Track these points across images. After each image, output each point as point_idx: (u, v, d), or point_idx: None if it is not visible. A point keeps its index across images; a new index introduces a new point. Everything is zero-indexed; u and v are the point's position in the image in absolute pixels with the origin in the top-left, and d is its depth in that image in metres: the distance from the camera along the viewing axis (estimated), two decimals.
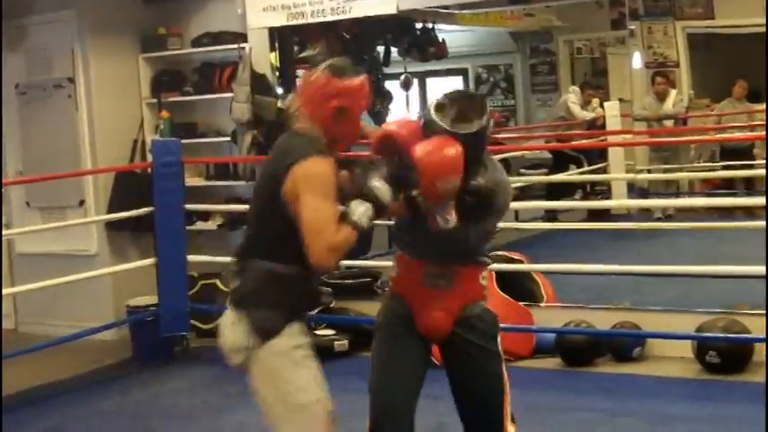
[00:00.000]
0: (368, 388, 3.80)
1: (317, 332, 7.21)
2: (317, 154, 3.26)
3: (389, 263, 3.97)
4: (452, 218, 3.43)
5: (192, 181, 8.17)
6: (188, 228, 7.61)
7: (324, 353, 6.91)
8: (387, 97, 11.66)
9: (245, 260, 3.39)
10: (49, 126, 8.19)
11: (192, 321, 7.59)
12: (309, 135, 3.35)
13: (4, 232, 7.91)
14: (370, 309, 7.45)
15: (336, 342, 7.10)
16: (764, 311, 6.18)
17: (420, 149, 3.37)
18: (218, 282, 7.96)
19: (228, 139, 7.96)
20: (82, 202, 8.09)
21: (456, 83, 15.54)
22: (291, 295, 3.37)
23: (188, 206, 7.50)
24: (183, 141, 7.67)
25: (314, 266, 3.23)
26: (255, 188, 3.50)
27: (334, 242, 3.19)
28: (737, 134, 7.56)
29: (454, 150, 3.36)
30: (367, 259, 8.45)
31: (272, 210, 3.28)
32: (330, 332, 7.20)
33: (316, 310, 7.34)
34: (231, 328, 3.36)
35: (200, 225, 8.15)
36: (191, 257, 7.42)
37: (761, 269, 5.97)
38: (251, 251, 3.39)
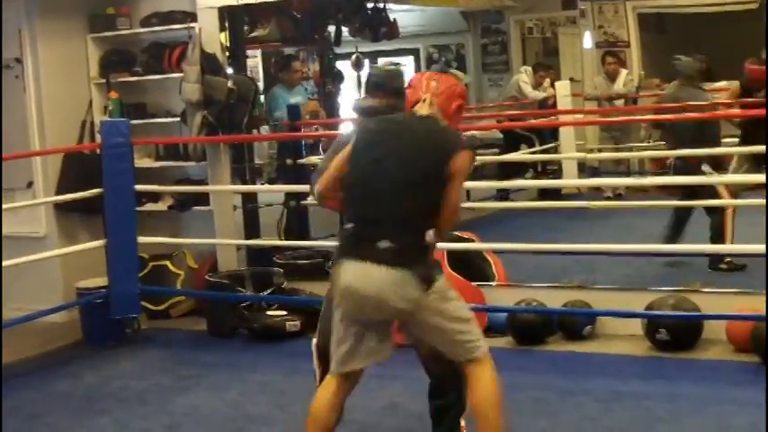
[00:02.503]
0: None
1: (269, 313, 7.21)
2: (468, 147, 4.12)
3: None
4: None
5: (142, 162, 8.12)
6: (138, 209, 7.55)
7: (276, 333, 7.02)
8: (338, 77, 11.63)
9: (391, 227, 3.99)
10: None
11: (143, 303, 7.56)
12: (447, 124, 4.21)
13: None
14: (321, 289, 7.43)
15: (288, 323, 7.10)
16: (716, 290, 6.31)
17: None
18: (168, 263, 7.94)
19: (178, 119, 7.92)
20: (30, 184, 8.01)
21: (407, 63, 15.55)
22: (433, 253, 4.14)
23: (138, 187, 7.44)
24: (133, 122, 7.62)
25: (442, 236, 4.11)
26: (406, 162, 4.04)
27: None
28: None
29: None
30: (318, 239, 8.46)
31: (432, 185, 4.00)
32: (282, 313, 7.19)
33: (267, 292, 7.37)
34: (397, 284, 3.96)
35: (150, 206, 8.10)
36: (141, 239, 7.38)
37: (707, 247, 6.08)
38: (400, 220, 4.00)
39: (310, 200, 8.52)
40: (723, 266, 7.77)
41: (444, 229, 4.11)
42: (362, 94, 4.82)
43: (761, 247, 6.01)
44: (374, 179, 4.08)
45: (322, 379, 4.49)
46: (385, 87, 4.70)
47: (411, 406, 5.29)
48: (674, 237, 7.99)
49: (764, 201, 6.09)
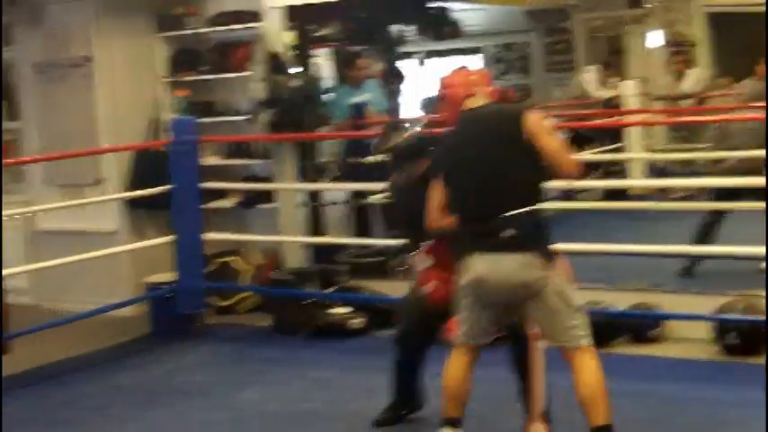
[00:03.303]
0: None
1: (333, 310, 7.25)
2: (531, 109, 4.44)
3: (402, 241, 4.95)
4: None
5: (209, 159, 8.20)
6: (204, 206, 7.64)
7: (339, 330, 7.05)
8: (399, 77, 11.65)
9: (508, 216, 4.24)
10: (68, 104, 8.21)
11: (210, 298, 7.65)
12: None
13: (24, 209, 7.98)
14: (384, 287, 7.50)
15: (351, 320, 7.13)
16: None
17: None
18: (234, 260, 8.01)
19: (244, 117, 7.98)
20: (99, 181, 8.11)
21: (471, 62, 15.51)
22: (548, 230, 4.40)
23: (204, 184, 7.53)
24: (200, 120, 7.70)
25: (568, 177, 4.42)
26: (491, 150, 4.31)
27: None
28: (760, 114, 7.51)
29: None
30: (382, 239, 8.49)
31: (522, 158, 4.27)
32: (345, 310, 7.23)
33: (331, 289, 7.41)
34: (525, 268, 4.24)
35: (216, 203, 8.17)
36: (207, 235, 7.46)
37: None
38: (511, 205, 4.25)
39: (373, 199, 8.62)
40: None
41: (561, 170, 4.35)
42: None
43: (760, 249, 6.00)
44: (473, 179, 4.34)
45: (402, 363, 5.06)
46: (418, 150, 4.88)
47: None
48: (704, 239, 7.78)
49: None
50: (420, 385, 5.19)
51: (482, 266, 4.32)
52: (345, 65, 9.71)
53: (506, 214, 4.26)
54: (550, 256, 4.34)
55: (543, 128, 4.34)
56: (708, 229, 7.77)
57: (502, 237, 4.25)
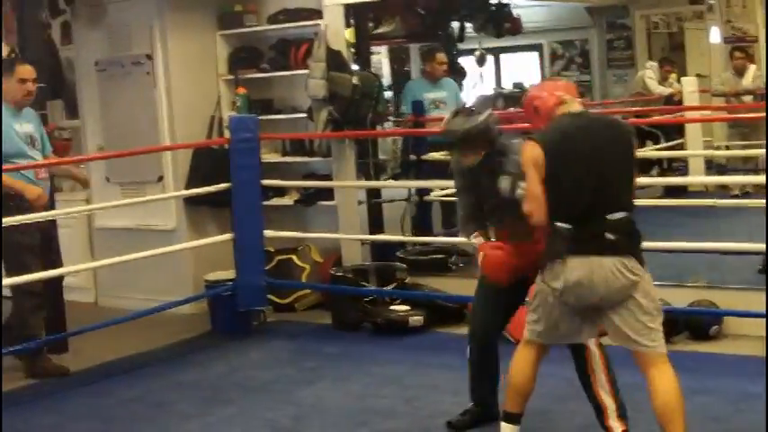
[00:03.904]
0: None
1: (392, 307, 7.26)
2: None
3: (464, 239, 4.95)
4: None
5: (269, 157, 8.24)
6: (264, 203, 7.67)
7: (399, 328, 7.06)
8: (460, 74, 11.62)
9: (613, 219, 4.28)
10: (128, 102, 8.31)
11: (270, 296, 7.69)
12: None
13: (86, 207, 8.08)
14: (444, 284, 7.50)
15: (411, 317, 7.14)
16: None
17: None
18: (294, 257, 8.04)
19: (304, 115, 8.01)
20: (160, 178, 8.20)
21: (531, 59, 15.46)
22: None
23: (265, 182, 7.57)
24: (260, 117, 7.74)
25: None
26: (610, 155, 4.35)
27: None
28: None
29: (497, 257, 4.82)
30: (442, 235, 8.48)
31: (630, 170, 4.41)
32: (405, 307, 7.24)
33: (391, 286, 7.42)
34: (625, 270, 4.26)
35: (276, 201, 8.21)
36: (267, 233, 7.50)
37: None
38: (616, 208, 4.29)
39: (433, 195, 8.63)
40: None
41: (634, 199, 4.46)
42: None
43: (760, 246, 5.97)
44: (584, 177, 4.30)
45: (477, 372, 5.01)
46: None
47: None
48: None
49: None
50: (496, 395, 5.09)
51: (582, 269, 4.28)
52: (424, 58, 9.66)
53: (612, 217, 4.29)
54: (643, 260, 4.36)
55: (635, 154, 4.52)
56: None
57: (606, 239, 4.26)
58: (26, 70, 6.61)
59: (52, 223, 6.83)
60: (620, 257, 4.27)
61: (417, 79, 9.50)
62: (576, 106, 4.49)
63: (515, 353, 4.60)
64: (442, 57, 9.50)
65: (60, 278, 6.92)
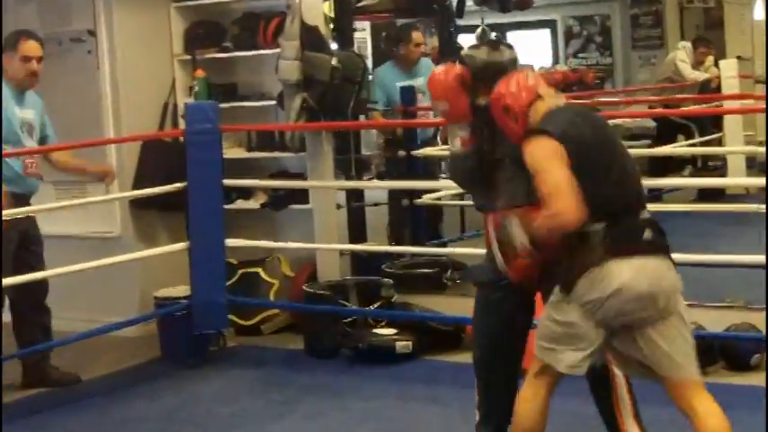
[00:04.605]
0: None
1: (377, 330, 7.25)
2: None
3: (463, 250, 4.53)
4: (456, 144, 4.81)
5: (232, 152, 8.24)
6: (226, 207, 7.66)
7: (384, 354, 7.04)
8: (458, 54, 11.62)
9: (645, 216, 4.37)
10: (66, 86, 8.26)
11: (231, 316, 7.67)
12: None
13: (11, 211, 8.03)
14: (437, 304, 7.48)
15: (399, 342, 7.13)
16: None
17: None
18: (260, 270, 8.02)
19: (274, 102, 8.00)
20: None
21: (542, 37, 15.48)
22: None
23: (226, 181, 7.55)
24: (221, 105, 7.73)
25: None
26: (619, 146, 4.48)
27: None
28: None
29: (442, 75, 4.80)
30: (434, 246, 8.48)
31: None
32: (391, 331, 7.23)
33: (374, 306, 7.41)
34: (674, 273, 4.36)
35: (240, 204, 8.21)
36: (229, 241, 7.48)
37: None
38: (640, 204, 4.40)
39: (426, 198, 8.62)
40: None
41: None
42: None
43: (760, 258, 6.05)
44: (610, 172, 4.35)
45: (485, 402, 4.86)
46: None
47: None
48: None
49: None
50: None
51: (625, 274, 4.24)
52: (396, 40, 9.65)
53: (643, 215, 4.36)
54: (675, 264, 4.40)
55: None
56: None
57: (645, 239, 4.30)
58: (31, 47, 6.66)
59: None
60: (663, 258, 4.33)
61: (387, 65, 9.42)
62: (559, 100, 4.52)
63: (522, 390, 4.55)
64: (418, 36, 9.46)
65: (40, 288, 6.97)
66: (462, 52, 4.95)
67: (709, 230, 9.26)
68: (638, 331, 4.32)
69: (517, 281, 4.70)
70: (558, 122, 4.39)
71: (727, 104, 11.08)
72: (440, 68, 4.90)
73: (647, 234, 4.29)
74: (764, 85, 11.87)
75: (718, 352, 6.51)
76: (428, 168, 9.13)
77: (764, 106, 11.44)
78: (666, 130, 11.44)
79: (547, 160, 4.27)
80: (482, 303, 4.89)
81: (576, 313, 4.32)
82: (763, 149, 11.02)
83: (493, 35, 12.57)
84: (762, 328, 6.44)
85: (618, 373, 4.69)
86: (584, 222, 4.23)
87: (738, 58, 12.55)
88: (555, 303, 4.40)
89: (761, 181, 10.46)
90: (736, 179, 10.72)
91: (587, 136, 4.36)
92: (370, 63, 10.26)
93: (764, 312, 6.64)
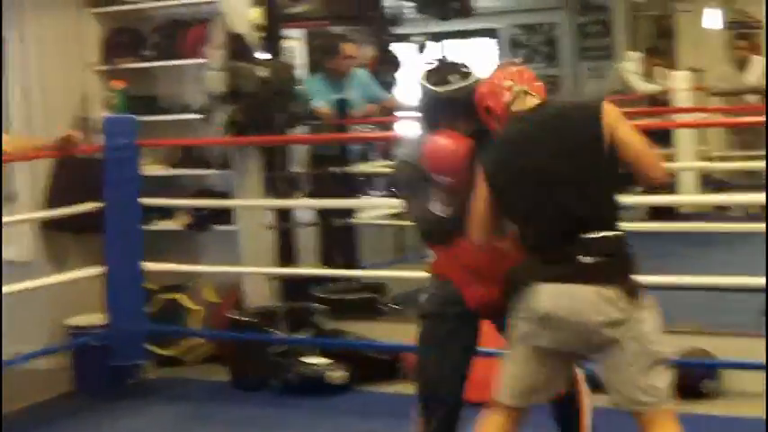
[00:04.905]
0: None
1: (308, 360, 7.23)
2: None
3: (399, 273, 4.58)
4: (436, 203, 4.67)
5: (152, 169, 8.18)
6: (145, 228, 7.62)
7: (315, 385, 7.02)
8: (395, 65, 11.64)
9: (588, 237, 4.28)
10: None
11: (151, 346, 7.61)
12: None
13: None
14: (373, 331, 7.48)
15: (331, 373, 7.12)
16: None
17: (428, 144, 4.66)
18: (182, 297, 7.98)
19: (197, 115, 7.97)
20: (9, 197, 8.07)
21: (485, 47, 15.55)
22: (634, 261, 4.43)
23: (146, 201, 7.51)
24: (141, 118, 7.69)
25: (658, 181, 4.42)
26: (567, 153, 4.34)
27: None
28: None
29: (452, 149, 4.57)
30: (369, 270, 8.48)
31: (610, 173, 4.36)
32: (323, 360, 7.22)
33: (305, 334, 7.39)
34: (604, 302, 4.24)
35: (161, 224, 8.16)
36: (149, 266, 7.44)
37: None
38: (593, 223, 4.30)
39: (362, 217, 8.62)
40: None
41: (649, 170, 4.39)
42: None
43: (760, 281, 6.09)
44: (543, 193, 4.34)
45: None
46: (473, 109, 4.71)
47: None
48: None
49: None
50: None
51: (550, 300, 4.29)
52: (326, 51, 9.65)
53: (585, 236, 4.28)
54: (638, 292, 4.34)
55: (624, 121, 4.40)
56: None
57: (580, 263, 4.27)
58: None
59: None
60: (597, 286, 4.26)
61: (316, 77, 9.42)
62: (531, 100, 4.49)
63: (482, 423, 4.54)
64: (349, 48, 9.47)
65: None
66: (430, 92, 4.73)
67: (661, 251, 9.31)
68: (584, 359, 4.39)
69: (479, 310, 4.77)
70: (496, 143, 4.47)
71: (679, 118, 11.16)
72: (442, 142, 4.63)
73: (585, 259, 4.27)
74: (721, 98, 12.02)
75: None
76: (358, 185, 9.13)
77: (720, 120, 11.61)
78: None
79: (478, 186, 4.42)
80: (428, 335, 4.90)
81: (517, 335, 4.41)
82: (716, 165, 11.17)
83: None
84: (715, 353, 6.49)
85: (586, 401, 4.75)
86: (524, 247, 4.37)
87: (691, 69, 12.67)
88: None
89: (719, 198, 10.62)
90: (699, 197, 10.82)
91: (513, 160, 4.39)
92: (305, 73, 10.22)
93: (721, 337, 6.72)
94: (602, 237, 4.27)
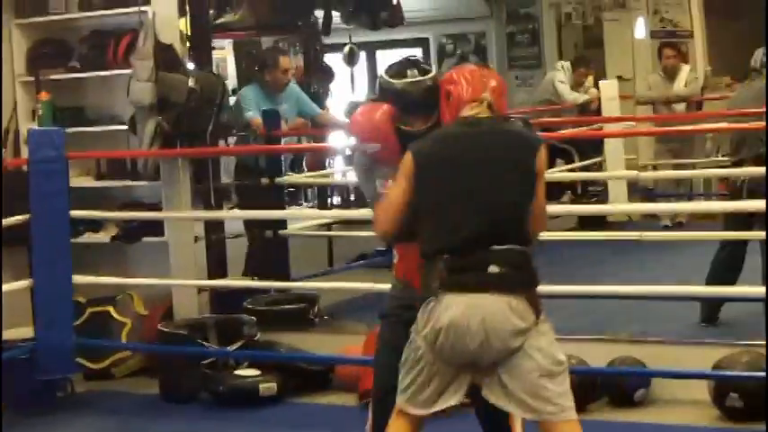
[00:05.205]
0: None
1: (238, 372, 7.20)
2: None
3: (330, 284, 4.54)
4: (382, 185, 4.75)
5: (80, 181, 8.14)
6: (73, 241, 7.54)
7: (247, 398, 6.99)
8: (327, 75, 11.65)
9: (498, 249, 4.32)
10: None
11: (79, 360, 7.55)
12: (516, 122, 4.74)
13: None
14: (304, 342, 7.46)
15: (263, 385, 7.08)
16: None
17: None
18: (111, 309, 7.92)
19: (126, 127, 7.92)
20: None
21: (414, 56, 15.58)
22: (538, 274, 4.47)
23: (74, 213, 7.44)
24: (68, 130, 7.62)
25: (535, 242, 4.49)
26: (495, 172, 4.41)
27: None
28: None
29: (372, 114, 4.72)
30: (300, 280, 8.47)
31: (526, 191, 4.41)
32: (254, 372, 7.18)
33: (236, 346, 7.36)
34: (511, 312, 4.28)
35: (89, 237, 8.11)
36: (77, 278, 7.37)
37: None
38: (503, 237, 4.34)
39: (293, 229, 8.60)
40: None
41: (538, 230, 4.54)
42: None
43: (760, 290, 6.08)
44: (466, 198, 4.39)
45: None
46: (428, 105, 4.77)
47: None
48: (726, 277, 7.79)
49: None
50: None
51: (455, 309, 4.29)
52: (264, 64, 9.59)
53: (496, 247, 4.32)
54: (540, 305, 4.39)
55: (544, 171, 4.52)
56: (723, 264, 7.75)
57: (488, 272, 4.30)
58: None
59: None
60: (506, 296, 4.29)
61: (254, 87, 9.37)
62: (481, 111, 4.51)
63: (389, 428, 4.56)
64: (286, 62, 9.42)
65: None
66: (385, 83, 4.85)
67: (591, 260, 9.38)
68: (487, 371, 4.35)
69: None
70: (430, 141, 4.50)
71: (608, 127, 11.23)
72: (363, 108, 4.85)
73: (495, 268, 4.30)
74: (649, 107, 12.12)
75: (601, 388, 6.57)
76: (287, 197, 9.11)
77: (652, 129, 11.69)
78: (548, 154, 11.56)
79: (399, 176, 4.47)
80: (385, 337, 4.93)
81: (417, 343, 4.42)
82: (645, 174, 11.23)
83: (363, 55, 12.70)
84: (646, 362, 6.53)
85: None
86: (430, 252, 4.40)
87: (619, 78, 12.78)
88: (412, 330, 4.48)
89: (648, 207, 10.71)
90: (628, 205, 10.88)
91: (443, 165, 4.43)
92: (235, 83, 10.22)
93: (652, 345, 6.77)
94: (512, 249, 4.33)
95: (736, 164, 7.86)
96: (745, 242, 7.69)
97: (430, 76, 4.77)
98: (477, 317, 4.26)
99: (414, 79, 4.73)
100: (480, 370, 4.35)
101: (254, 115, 8.84)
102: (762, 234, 7.38)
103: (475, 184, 4.38)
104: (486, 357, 4.31)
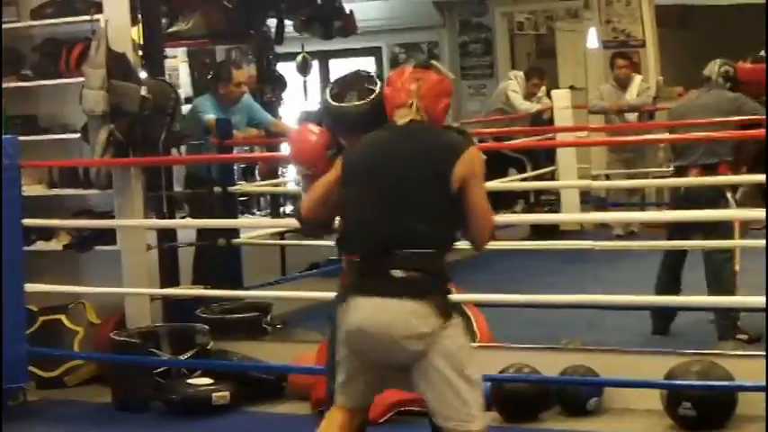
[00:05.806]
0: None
1: (191, 381, 7.19)
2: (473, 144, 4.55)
3: (282, 293, 4.56)
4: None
5: (32, 189, 8.10)
6: (25, 249, 7.53)
7: (200, 407, 6.99)
8: (279, 84, 11.65)
9: (405, 254, 4.35)
10: None
11: (31, 369, 7.52)
12: (445, 127, 4.62)
13: None
14: (257, 351, 7.46)
15: (215, 393, 7.08)
16: (754, 353, 6.29)
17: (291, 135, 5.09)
18: (63, 318, 7.90)
19: (78, 135, 7.91)
20: None
21: (367, 65, 15.61)
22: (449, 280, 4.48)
23: (26, 221, 7.43)
24: (20, 138, 7.58)
25: (480, 248, 4.57)
26: (409, 178, 4.42)
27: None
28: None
29: (306, 139, 4.83)
30: (253, 289, 8.47)
31: (443, 199, 4.37)
32: (207, 381, 7.17)
33: (189, 354, 7.36)
34: (414, 318, 4.30)
35: (41, 245, 8.08)
36: (29, 287, 7.36)
37: (752, 299, 6.07)
38: (410, 241, 4.36)
39: (246, 238, 8.61)
40: (742, 337, 7.50)
41: (480, 237, 4.52)
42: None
43: (760, 300, 6.04)
44: (377, 202, 4.45)
45: None
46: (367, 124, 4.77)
47: None
48: (668, 287, 7.86)
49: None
50: None
51: (363, 313, 4.36)
52: (216, 78, 9.58)
53: (400, 251, 4.34)
54: (448, 310, 4.37)
55: (478, 174, 4.44)
56: (667, 273, 7.83)
57: (393, 277, 4.34)
58: None
59: None
60: (409, 300, 4.32)
61: (208, 97, 9.37)
62: (409, 114, 4.51)
63: (324, 421, 4.61)
64: (240, 75, 9.44)
65: None
66: (325, 103, 4.87)
67: (543, 269, 9.43)
68: (405, 371, 4.40)
69: None
70: (359, 146, 4.57)
71: (561, 137, 11.30)
72: (303, 133, 4.89)
73: (398, 273, 4.33)
74: (601, 117, 12.20)
75: (554, 397, 6.60)
76: (239, 206, 9.12)
77: (604, 139, 11.78)
78: (497, 164, 11.59)
79: (331, 170, 4.58)
80: (331, 339, 4.92)
81: (342, 344, 4.51)
82: (597, 183, 11.32)
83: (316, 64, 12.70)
84: (599, 371, 6.58)
85: None
86: (346, 253, 4.53)
87: (571, 87, 12.85)
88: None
89: (600, 216, 10.78)
90: (581, 215, 10.94)
91: (361, 169, 4.50)
92: (188, 91, 10.21)
93: (605, 354, 6.81)
94: (417, 253, 4.34)
95: (678, 169, 7.92)
96: (684, 251, 7.79)
97: (369, 99, 4.74)
98: (381, 321, 4.32)
99: (349, 104, 4.74)
100: (398, 370, 4.41)
101: (213, 117, 8.85)
102: (704, 243, 7.51)
103: (386, 187, 4.44)
104: (394, 360, 4.37)
